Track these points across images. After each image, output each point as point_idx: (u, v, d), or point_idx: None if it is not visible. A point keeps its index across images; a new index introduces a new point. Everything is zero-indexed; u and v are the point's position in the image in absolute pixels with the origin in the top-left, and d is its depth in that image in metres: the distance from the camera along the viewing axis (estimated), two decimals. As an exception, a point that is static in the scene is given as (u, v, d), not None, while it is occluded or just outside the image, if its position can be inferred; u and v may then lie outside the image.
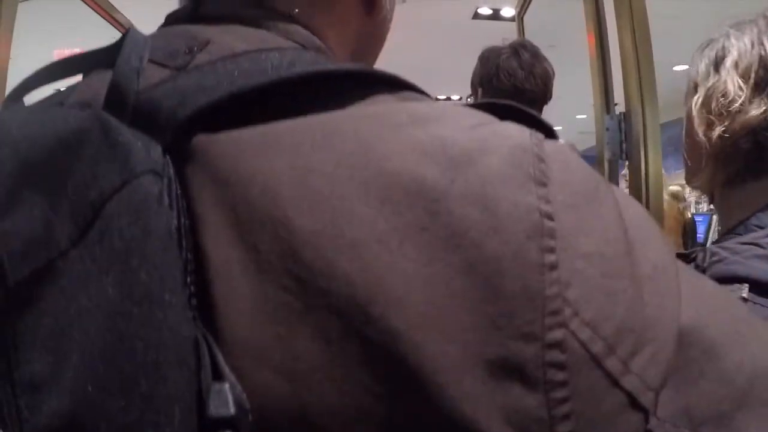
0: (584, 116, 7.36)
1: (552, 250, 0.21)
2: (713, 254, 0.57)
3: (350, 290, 0.20)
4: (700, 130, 0.62)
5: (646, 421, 0.21)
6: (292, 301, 0.20)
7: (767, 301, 0.50)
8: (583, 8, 1.69)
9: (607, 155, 1.52)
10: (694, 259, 0.59)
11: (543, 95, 1.27)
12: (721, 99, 0.60)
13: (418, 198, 0.21)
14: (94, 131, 0.20)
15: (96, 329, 0.18)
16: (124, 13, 2.36)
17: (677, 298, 0.23)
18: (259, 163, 0.22)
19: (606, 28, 1.65)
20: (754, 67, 0.59)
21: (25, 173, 0.19)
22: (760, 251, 0.54)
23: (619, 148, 1.49)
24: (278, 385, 0.20)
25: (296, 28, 0.31)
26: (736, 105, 0.58)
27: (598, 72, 1.62)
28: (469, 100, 1.37)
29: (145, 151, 0.21)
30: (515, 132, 0.24)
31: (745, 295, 0.50)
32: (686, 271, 0.26)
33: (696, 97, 0.63)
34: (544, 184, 0.22)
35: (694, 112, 0.63)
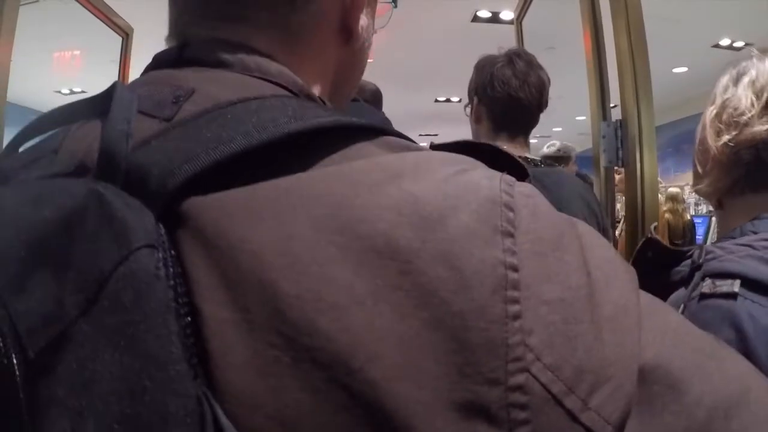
0: (583, 118, 7.36)
1: (516, 301, 0.23)
2: (708, 252, 0.60)
3: (332, 347, 0.22)
4: (710, 137, 0.67)
5: None
6: (281, 356, 0.22)
7: (757, 296, 0.52)
8: (577, 14, 1.70)
9: (603, 162, 1.52)
10: (690, 257, 0.62)
11: (538, 103, 1.27)
12: (733, 111, 0.65)
13: (391, 260, 0.23)
14: (91, 207, 0.22)
15: (109, 396, 0.20)
16: (123, 17, 2.37)
17: (637, 336, 0.25)
18: (245, 230, 0.24)
19: (602, 35, 1.66)
20: None
21: (31, 253, 0.21)
22: (754, 252, 0.57)
23: (616, 155, 1.50)
24: (271, 430, 0.22)
25: (279, 70, 0.33)
26: (745, 117, 0.64)
27: (594, 79, 1.63)
28: (466, 108, 1.38)
29: (140, 223, 0.23)
30: (485, 183, 0.25)
31: (736, 289, 0.53)
32: (652, 304, 0.28)
33: (712, 108, 0.69)
34: (511, 235, 0.24)
35: (708, 121, 0.69)
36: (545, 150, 3.28)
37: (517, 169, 0.28)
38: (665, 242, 0.66)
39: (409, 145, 0.29)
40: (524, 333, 0.23)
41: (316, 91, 0.36)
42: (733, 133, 0.64)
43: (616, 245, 1.56)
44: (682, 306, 0.57)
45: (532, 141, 1.36)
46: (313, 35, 0.35)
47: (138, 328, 0.21)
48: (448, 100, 6.69)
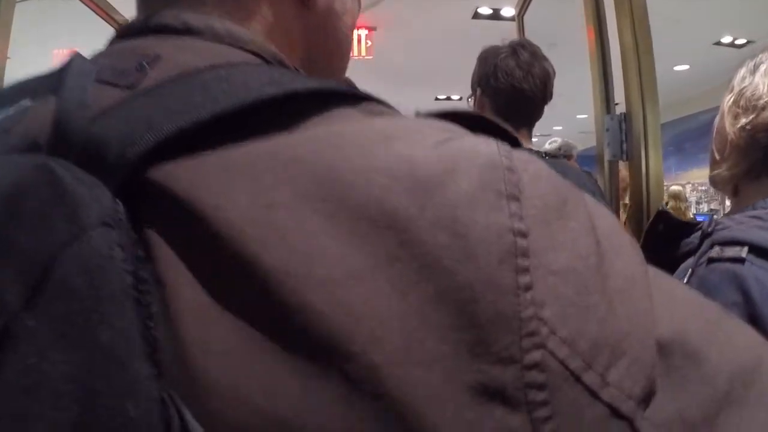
0: (585, 116, 7.34)
1: (526, 271, 0.21)
2: (718, 223, 0.63)
3: (328, 327, 0.20)
4: (727, 122, 0.70)
5: (632, 428, 0.22)
6: (268, 341, 0.20)
7: (764, 262, 0.55)
8: (583, 7, 1.68)
9: (607, 156, 1.50)
10: (700, 228, 0.65)
11: (542, 95, 1.26)
12: (750, 96, 0.68)
13: (387, 229, 0.21)
14: (37, 183, 0.19)
15: (59, 401, 0.18)
16: (122, 13, 2.35)
17: (650, 308, 0.24)
18: (219, 198, 0.21)
19: (606, 27, 1.64)
20: None
21: None
22: (762, 223, 0.60)
23: (620, 149, 1.48)
24: (257, 426, 0.19)
25: (251, 38, 0.31)
26: (762, 102, 0.66)
27: (598, 72, 1.61)
28: (469, 101, 1.36)
29: (94, 199, 0.20)
30: (483, 147, 0.23)
31: (744, 255, 0.55)
32: (658, 278, 0.26)
33: (729, 95, 0.72)
34: (516, 198, 0.22)
35: (726, 108, 0.72)
36: (546, 147, 3.30)
37: (508, 137, 0.26)
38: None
39: (394, 112, 0.27)
40: (537, 305, 0.21)
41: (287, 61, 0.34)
42: (751, 116, 0.67)
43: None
44: (690, 271, 0.59)
45: (533, 140, 1.35)
46: (262, 3, 0.33)
47: (90, 319, 0.18)
48: (448, 98, 6.67)
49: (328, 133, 0.23)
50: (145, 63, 0.26)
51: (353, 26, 0.40)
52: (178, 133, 0.22)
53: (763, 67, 0.69)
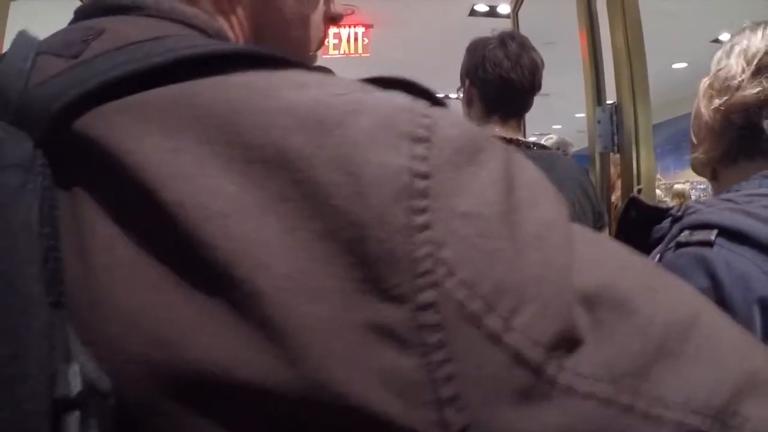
0: (583, 115, 7.31)
1: (423, 211, 0.21)
2: (689, 207, 0.61)
3: (216, 256, 0.20)
4: (702, 105, 0.69)
5: (538, 375, 0.21)
6: (166, 270, 0.21)
7: (733, 245, 0.52)
8: (576, 2, 1.67)
9: (598, 148, 1.50)
10: (670, 213, 0.63)
11: (531, 86, 1.24)
12: (725, 77, 0.67)
13: (280, 169, 0.21)
14: None
15: None
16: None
17: (568, 256, 0.23)
18: (130, 142, 0.23)
19: (597, 22, 1.63)
20: (759, 54, 0.65)
21: None
22: (733, 205, 0.57)
23: (611, 141, 1.47)
24: (151, 353, 0.21)
25: (195, 13, 0.32)
26: (735, 82, 0.65)
27: (589, 65, 1.60)
28: (459, 92, 1.35)
29: (15, 145, 0.22)
30: (401, 97, 0.24)
31: (712, 238, 0.53)
32: (586, 233, 0.26)
33: (705, 79, 0.71)
34: (424, 141, 0.22)
35: (702, 91, 0.71)
36: (543, 143, 3.29)
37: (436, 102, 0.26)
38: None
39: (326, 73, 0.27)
40: (435, 245, 0.21)
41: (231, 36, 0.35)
42: (724, 98, 0.65)
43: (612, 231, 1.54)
44: (658, 255, 0.57)
45: (531, 138, 1.34)
46: None
47: None
48: (446, 97, 6.65)
49: (239, 79, 0.24)
50: (89, 36, 0.27)
51: (307, 12, 0.39)
52: (100, 87, 0.23)
53: (737, 48, 0.68)
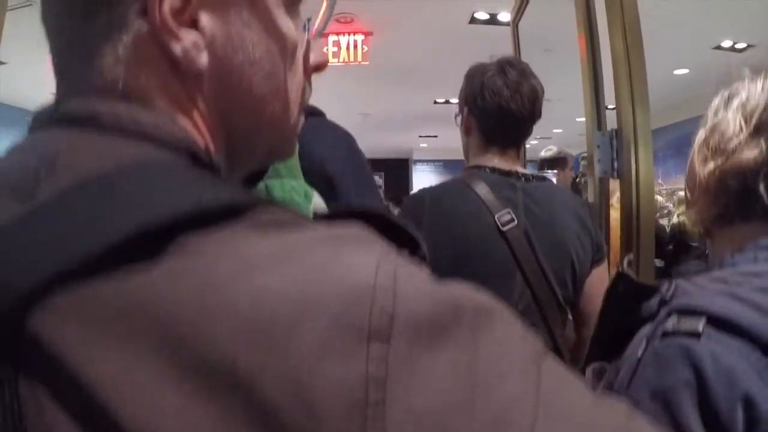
0: (584, 119, 7.29)
1: (379, 418, 0.21)
2: (678, 287, 0.58)
3: None
4: (697, 162, 0.65)
5: None
6: None
7: (721, 335, 0.50)
8: (575, 16, 1.65)
9: (598, 173, 1.48)
10: (659, 292, 0.60)
11: (531, 114, 1.23)
12: (721, 136, 0.62)
13: (232, 388, 0.21)
14: None
15: None
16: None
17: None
18: (85, 352, 0.23)
19: (598, 41, 1.61)
20: (759, 110, 0.60)
21: None
22: (724, 287, 0.54)
23: (611, 166, 1.46)
24: None
25: (155, 123, 0.30)
26: (732, 144, 0.60)
27: (589, 86, 1.59)
28: (457, 119, 1.33)
29: None
30: (358, 272, 0.23)
31: (700, 329, 0.51)
32: (557, 388, 0.25)
33: (701, 131, 0.66)
34: (382, 334, 0.22)
35: (696, 147, 0.66)
36: (543, 154, 3.28)
37: (410, 239, 0.26)
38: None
39: (283, 222, 0.26)
40: None
41: (199, 141, 0.33)
42: (720, 160, 0.61)
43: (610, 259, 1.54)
44: (645, 342, 0.54)
45: (533, 142, 1.32)
46: (146, 78, 0.32)
47: None
48: (447, 102, 6.64)
49: (188, 269, 0.23)
50: (42, 170, 0.27)
51: (281, 82, 0.36)
52: (52, 278, 0.23)
53: (736, 101, 0.63)
